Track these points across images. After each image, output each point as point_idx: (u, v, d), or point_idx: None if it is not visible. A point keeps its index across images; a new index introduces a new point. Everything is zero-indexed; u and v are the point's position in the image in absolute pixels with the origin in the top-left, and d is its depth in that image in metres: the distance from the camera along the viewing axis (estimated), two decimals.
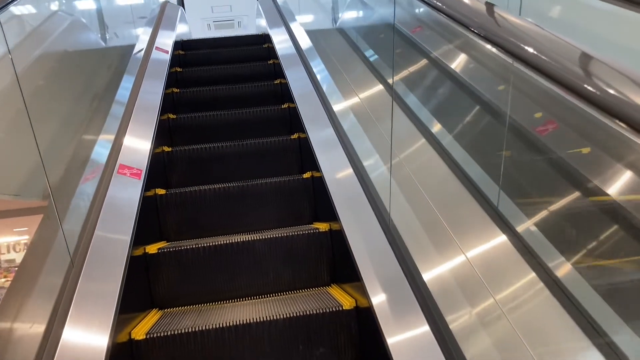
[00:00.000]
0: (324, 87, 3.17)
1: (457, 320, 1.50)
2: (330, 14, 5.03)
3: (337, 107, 2.92)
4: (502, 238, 1.61)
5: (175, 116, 3.26)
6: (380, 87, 3.17)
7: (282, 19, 4.57)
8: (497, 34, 1.27)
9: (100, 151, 2.32)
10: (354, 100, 3.07)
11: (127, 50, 3.52)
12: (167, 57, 3.77)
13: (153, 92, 3.15)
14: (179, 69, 4.03)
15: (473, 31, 1.39)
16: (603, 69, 0.92)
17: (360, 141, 2.59)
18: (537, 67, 1.05)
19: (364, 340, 1.87)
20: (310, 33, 4.14)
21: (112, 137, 2.51)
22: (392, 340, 1.51)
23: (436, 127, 2.40)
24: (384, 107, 3.01)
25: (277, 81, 3.73)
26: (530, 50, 1.09)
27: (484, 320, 1.48)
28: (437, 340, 1.48)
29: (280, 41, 4.15)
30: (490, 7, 1.38)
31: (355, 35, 4.00)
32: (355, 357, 1.90)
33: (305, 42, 3.94)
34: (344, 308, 1.89)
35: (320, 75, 3.33)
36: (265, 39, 4.64)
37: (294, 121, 3.19)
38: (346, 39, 4.10)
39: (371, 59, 3.46)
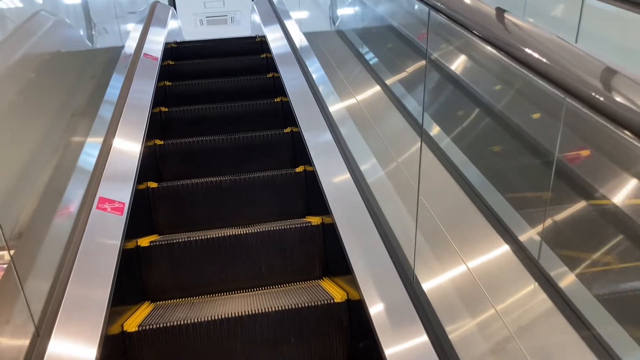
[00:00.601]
0: (320, 87, 3.14)
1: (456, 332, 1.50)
2: (328, 12, 4.98)
3: (331, 106, 2.91)
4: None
5: (167, 109, 3.26)
6: (378, 87, 3.16)
7: (277, 16, 4.55)
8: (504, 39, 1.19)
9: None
10: (350, 100, 3.07)
11: (112, 51, 3.34)
12: (156, 63, 3.55)
13: (144, 91, 3.05)
14: (171, 62, 4.03)
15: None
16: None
17: (354, 139, 2.58)
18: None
19: (355, 332, 1.89)
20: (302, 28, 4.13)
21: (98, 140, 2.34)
22: (383, 329, 1.52)
23: (434, 131, 2.31)
24: (378, 107, 3.01)
25: (270, 75, 3.73)
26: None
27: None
28: (427, 331, 1.50)
29: (274, 39, 4.12)
30: (500, 12, 1.31)
31: (353, 35, 3.98)
32: (347, 348, 1.91)
33: (300, 39, 3.93)
34: (335, 301, 1.91)
35: (315, 74, 3.31)
36: (261, 38, 4.59)
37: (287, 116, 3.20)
38: (343, 39, 4.09)
39: (371, 62, 3.44)
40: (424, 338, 1.48)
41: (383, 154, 2.52)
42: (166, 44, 4.15)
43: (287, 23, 4.26)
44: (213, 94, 3.61)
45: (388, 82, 3.13)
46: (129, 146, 2.44)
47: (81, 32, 3.16)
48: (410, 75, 2.83)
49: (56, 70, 2.60)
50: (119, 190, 2.09)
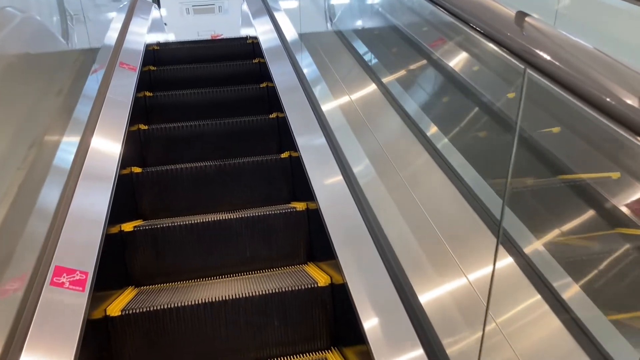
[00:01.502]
0: (312, 83, 3.10)
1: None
2: (323, 6, 4.88)
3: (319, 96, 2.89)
4: None
5: (151, 93, 3.23)
6: (374, 87, 3.11)
7: (266, 7, 4.50)
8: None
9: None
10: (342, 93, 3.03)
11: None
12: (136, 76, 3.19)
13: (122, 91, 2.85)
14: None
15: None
16: None
17: (342, 131, 2.55)
18: None
19: (338, 315, 1.90)
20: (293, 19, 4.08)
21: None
22: (364, 312, 1.54)
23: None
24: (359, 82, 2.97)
25: (257, 61, 3.72)
26: None
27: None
28: (408, 313, 1.51)
29: (264, 31, 4.07)
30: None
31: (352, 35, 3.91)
32: (330, 331, 1.93)
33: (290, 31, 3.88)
34: (319, 285, 1.91)
35: (307, 69, 3.28)
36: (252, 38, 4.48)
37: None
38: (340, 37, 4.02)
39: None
40: (404, 317, 1.49)
41: (373, 148, 2.49)
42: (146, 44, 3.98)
43: (278, 15, 4.22)
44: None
45: (385, 80, 3.09)
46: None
47: (54, 31, 2.75)
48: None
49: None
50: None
